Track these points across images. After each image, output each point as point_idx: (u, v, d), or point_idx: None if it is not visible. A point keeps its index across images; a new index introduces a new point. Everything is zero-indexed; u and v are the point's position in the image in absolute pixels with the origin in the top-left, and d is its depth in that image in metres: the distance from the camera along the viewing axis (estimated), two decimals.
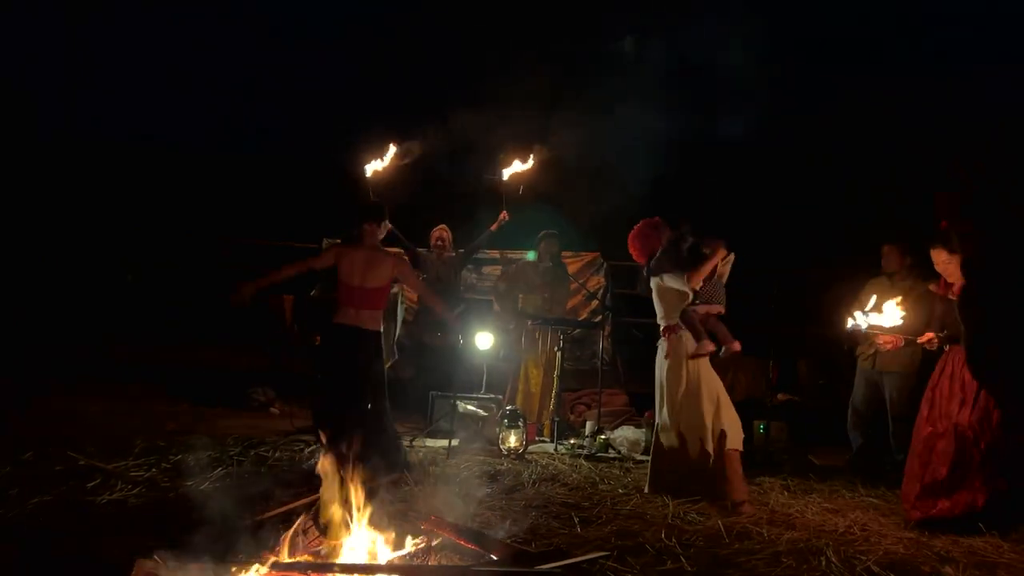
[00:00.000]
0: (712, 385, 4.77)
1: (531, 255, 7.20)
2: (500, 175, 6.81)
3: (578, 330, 7.84)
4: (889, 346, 4.82)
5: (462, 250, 7.22)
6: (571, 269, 8.30)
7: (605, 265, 9.23)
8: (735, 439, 4.70)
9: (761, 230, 10.01)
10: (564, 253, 7.57)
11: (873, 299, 4.66)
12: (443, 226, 7.15)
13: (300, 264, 5.10)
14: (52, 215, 10.76)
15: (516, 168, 6.72)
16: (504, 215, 6.91)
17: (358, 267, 4.98)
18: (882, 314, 4.58)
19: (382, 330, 5.12)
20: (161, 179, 12.34)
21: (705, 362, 4.81)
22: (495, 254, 8.76)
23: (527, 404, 6.76)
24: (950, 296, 4.39)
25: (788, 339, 8.34)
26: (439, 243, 7.05)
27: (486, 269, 9.00)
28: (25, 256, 9.97)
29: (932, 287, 4.57)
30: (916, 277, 5.69)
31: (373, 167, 6.54)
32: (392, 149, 6.51)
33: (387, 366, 6.59)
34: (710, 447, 4.66)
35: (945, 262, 4.36)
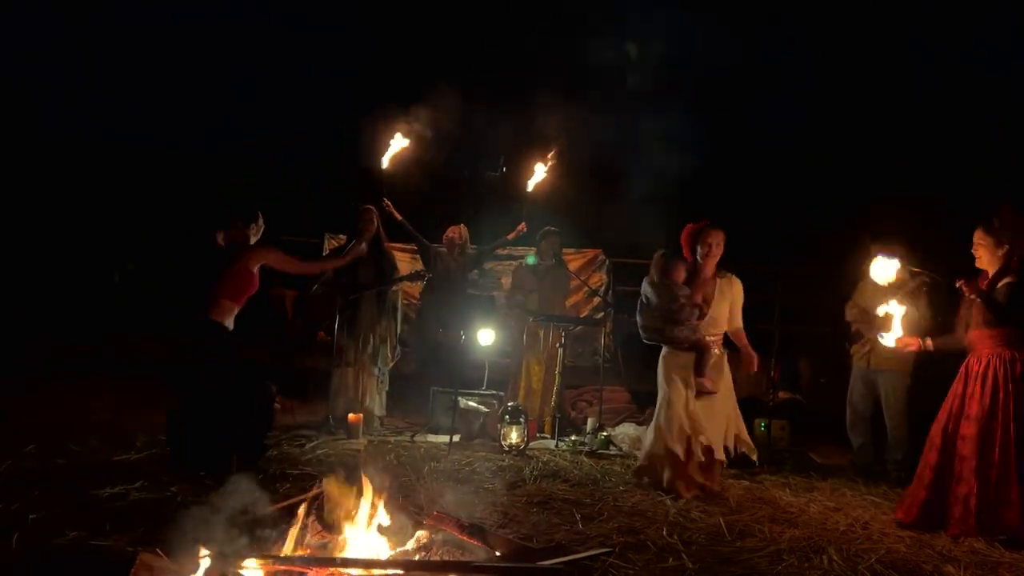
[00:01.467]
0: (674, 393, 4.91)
1: (531, 259, 7.17)
2: (503, 171, 6.83)
3: (579, 327, 7.84)
4: (913, 347, 4.63)
5: (475, 247, 7.22)
6: (573, 266, 8.30)
7: (607, 262, 9.24)
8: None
9: (762, 228, 10.01)
10: (566, 250, 7.57)
11: (894, 316, 4.62)
12: (461, 224, 7.13)
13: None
14: (54, 213, 10.78)
15: (538, 177, 6.77)
16: (522, 226, 6.94)
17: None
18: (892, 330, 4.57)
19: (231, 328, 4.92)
20: (161, 177, 12.32)
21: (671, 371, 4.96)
22: (498, 251, 8.76)
23: (529, 401, 6.77)
24: (973, 289, 4.30)
25: (790, 337, 8.34)
26: (453, 239, 7.04)
27: (487, 265, 8.98)
28: (27, 253, 9.99)
29: (959, 283, 4.37)
30: (904, 275, 5.69)
31: (389, 155, 6.55)
32: (400, 136, 6.53)
33: (390, 364, 6.62)
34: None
35: (978, 241, 4.31)
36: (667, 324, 4.94)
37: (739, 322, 5.10)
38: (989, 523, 4.04)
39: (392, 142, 6.59)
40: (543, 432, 6.65)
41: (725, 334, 5.10)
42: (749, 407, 7.14)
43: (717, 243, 4.97)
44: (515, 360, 7.02)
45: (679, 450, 4.77)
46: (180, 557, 2.81)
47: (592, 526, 4.02)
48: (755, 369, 5.21)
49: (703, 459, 4.81)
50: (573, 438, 6.31)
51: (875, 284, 5.89)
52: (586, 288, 8.29)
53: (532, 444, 6.04)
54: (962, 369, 4.39)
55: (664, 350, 5.05)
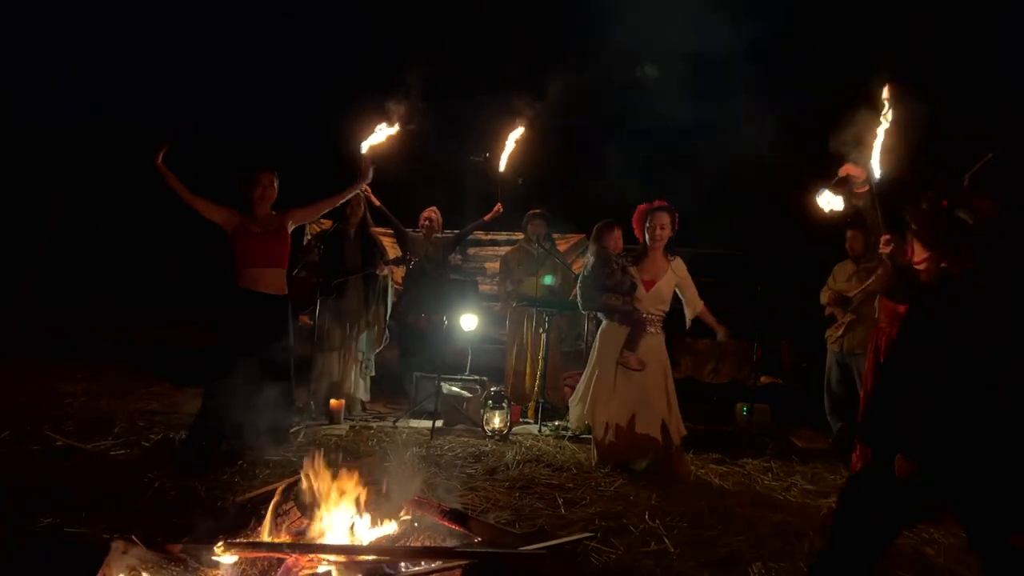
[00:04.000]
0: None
1: (547, 279, 7.09)
2: (486, 156, 6.78)
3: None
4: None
5: (455, 231, 7.20)
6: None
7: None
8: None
9: (743, 211, 10.02)
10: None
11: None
12: (433, 208, 7.12)
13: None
14: (34, 196, 10.65)
15: (508, 150, 6.70)
16: (499, 207, 6.89)
17: None
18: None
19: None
20: (147, 162, 12.17)
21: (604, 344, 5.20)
22: (481, 235, 8.71)
23: (518, 386, 6.80)
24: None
25: (771, 322, 8.35)
26: (428, 224, 7.02)
27: (471, 251, 8.94)
28: (11, 237, 9.87)
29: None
30: (880, 260, 5.74)
31: (370, 142, 6.47)
32: (384, 126, 6.45)
33: (378, 349, 6.59)
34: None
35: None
36: (599, 291, 5.10)
37: (699, 303, 5.24)
38: None
39: (375, 132, 6.51)
40: (526, 417, 6.64)
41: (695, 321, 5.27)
42: (731, 391, 7.19)
43: (662, 224, 5.11)
44: (517, 344, 7.04)
45: (597, 426, 5.03)
46: (155, 544, 2.76)
47: (575, 511, 4.01)
48: (725, 337, 5.31)
49: (614, 439, 4.96)
50: (556, 423, 6.30)
51: (848, 272, 5.99)
52: (572, 273, 8.27)
53: (515, 429, 6.03)
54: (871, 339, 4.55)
55: (603, 324, 5.24)
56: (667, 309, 5.17)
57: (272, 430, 4.73)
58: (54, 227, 9.94)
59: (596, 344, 5.24)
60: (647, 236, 5.15)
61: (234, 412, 4.46)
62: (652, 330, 5.06)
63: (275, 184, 5.03)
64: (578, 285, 5.32)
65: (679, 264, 5.20)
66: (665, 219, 5.11)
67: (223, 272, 4.92)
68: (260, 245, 4.89)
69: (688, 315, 5.27)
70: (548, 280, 7.05)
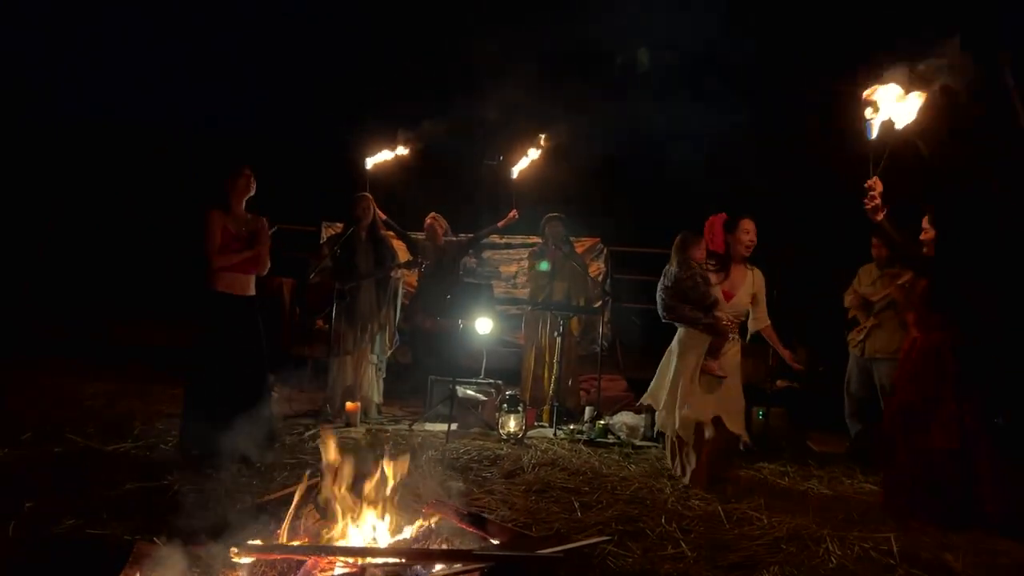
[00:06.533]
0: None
1: (543, 266, 7.09)
2: (500, 160, 6.80)
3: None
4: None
5: (464, 236, 7.22)
6: None
7: (605, 251, 9.21)
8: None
9: (764, 215, 9.97)
10: None
11: None
12: (434, 213, 7.15)
13: None
14: (48, 198, 10.74)
15: (524, 163, 6.72)
16: (514, 213, 6.90)
17: None
18: None
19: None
20: (160, 162, 12.25)
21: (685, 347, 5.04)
22: (496, 239, 8.74)
23: (536, 389, 6.82)
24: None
25: (788, 325, 8.31)
26: (436, 229, 7.05)
27: (486, 254, 8.98)
28: (21, 237, 9.95)
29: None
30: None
31: (375, 160, 6.52)
32: (398, 147, 6.51)
33: (388, 352, 6.61)
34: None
35: (926, 226, 4.48)
36: (683, 303, 4.91)
37: (766, 320, 5.01)
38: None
39: (382, 152, 6.56)
40: (541, 421, 6.65)
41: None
42: (747, 395, 7.14)
43: (747, 231, 4.91)
44: (533, 346, 7.07)
45: (673, 428, 4.90)
46: (177, 546, 2.79)
47: (591, 514, 4.02)
48: (799, 366, 5.29)
49: (690, 440, 4.85)
50: (571, 427, 6.31)
51: (870, 274, 5.97)
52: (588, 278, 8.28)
53: (530, 433, 6.03)
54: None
55: (681, 331, 5.02)
56: (743, 318, 5.00)
57: (264, 431, 4.80)
58: (54, 227, 10.04)
59: (676, 351, 5.00)
60: (732, 245, 4.92)
61: (224, 415, 4.54)
62: (733, 337, 4.93)
63: (254, 180, 5.05)
64: (659, 293, 5.07)
65: (758, 275, 4.97)
66: (752, 225, 4.91)
67: (199, 275, 4.93)
68: (240, 251, 4.94)
69: (751, 328, 5.06)
70: (544, 266, 7.04)
